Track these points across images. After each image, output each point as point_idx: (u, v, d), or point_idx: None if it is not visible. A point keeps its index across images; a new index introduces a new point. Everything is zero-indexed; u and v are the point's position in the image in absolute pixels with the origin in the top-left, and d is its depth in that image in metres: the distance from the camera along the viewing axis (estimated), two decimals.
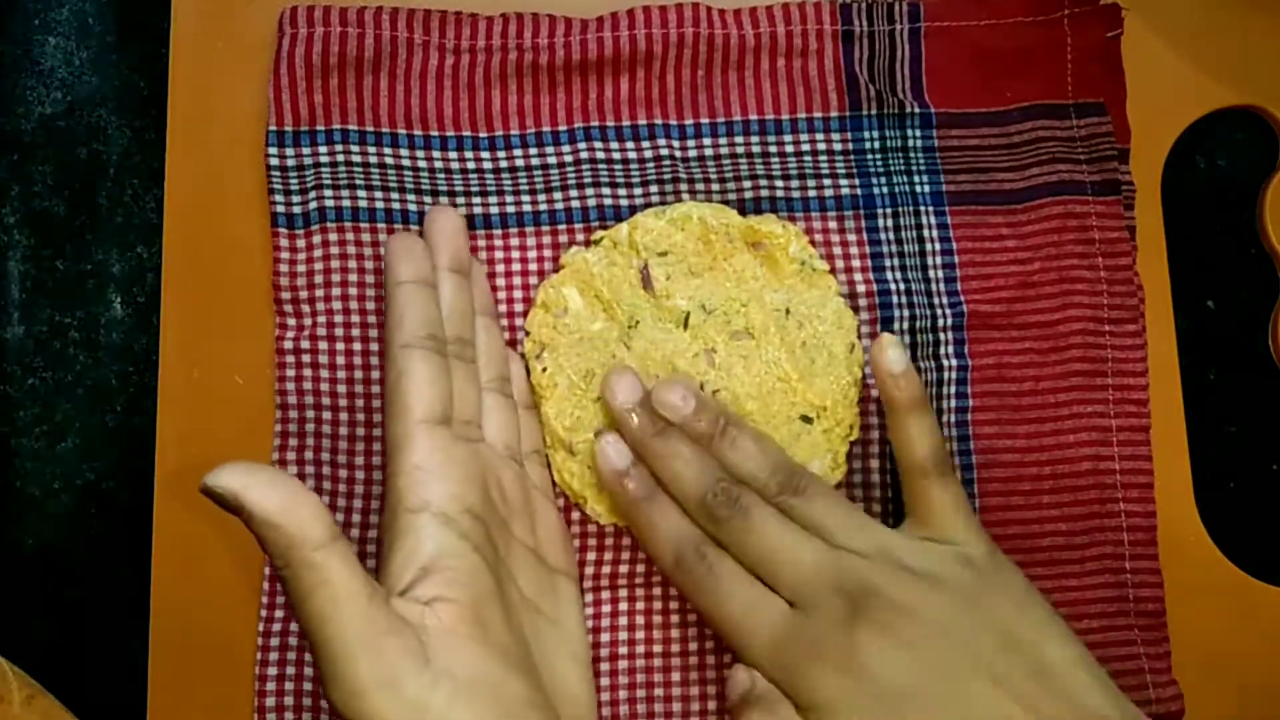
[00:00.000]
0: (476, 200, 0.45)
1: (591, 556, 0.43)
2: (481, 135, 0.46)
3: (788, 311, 0.44)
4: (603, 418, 0.43)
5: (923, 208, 0.45)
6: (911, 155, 0.46)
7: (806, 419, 0.43)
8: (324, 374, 0.44)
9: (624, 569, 0.43)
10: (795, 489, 0.40)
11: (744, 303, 0.44)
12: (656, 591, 0.43)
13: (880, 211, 0.45)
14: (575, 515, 0.44)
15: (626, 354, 0.44)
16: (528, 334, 0.44)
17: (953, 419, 0.44)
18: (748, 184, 0.45)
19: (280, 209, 0.44)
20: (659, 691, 0.43)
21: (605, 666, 0.43)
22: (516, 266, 0.45)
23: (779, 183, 0.45)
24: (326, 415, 0.43)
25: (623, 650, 0.43)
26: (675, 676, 0.43)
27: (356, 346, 0.44)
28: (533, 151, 0.45)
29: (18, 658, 0.43)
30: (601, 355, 0.44)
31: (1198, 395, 0.46)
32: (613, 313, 0.44)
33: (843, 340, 0.44)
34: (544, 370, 0.44)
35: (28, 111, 0.48)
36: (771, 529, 0.39)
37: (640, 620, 0.43)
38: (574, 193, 0.45)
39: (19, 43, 0.48)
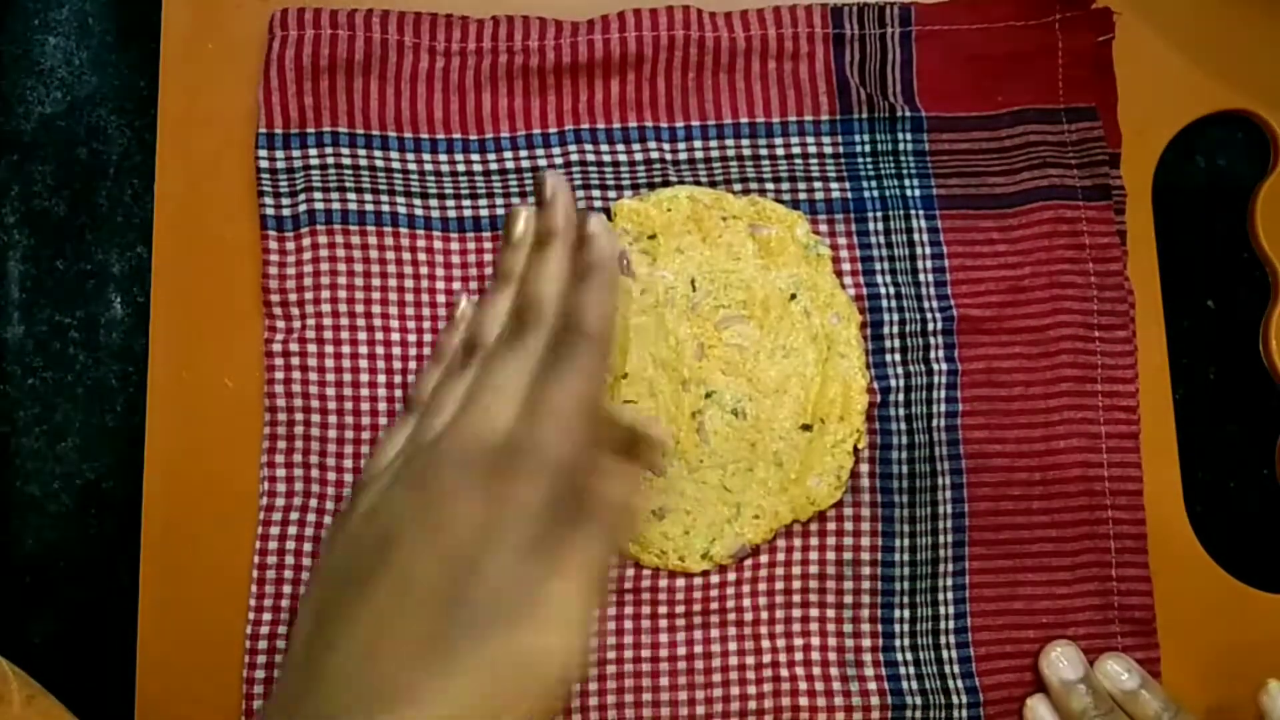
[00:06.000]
0: (466, 203, 0.45)
1: None
2: (472, 138, 0.46)
3: (794, 296, 0.44)
4: None
5: (913, 211, 0.45)
6: (902, 159, 0.45)
7: (806, 427, 0.43)
8: (313, 377, 0.44)
9: (612, 574, 0.43)
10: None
11: (742, 283, 0.43)
12: (646, 597, 0.43)
13: (871, 215, 0.45)
14: None
15: None
16: None
17: (942, 423, 0.44)
18: (738, 186, 0.45)
19: (270, 211, 0.45)
20: (647, 696, 0.43)
21: (594, 671, 0.43)
22: None
23: (769, 185, 0.45)
24: (315, 418, 0.44)
25: (610, 655, 0.43)
26: (664, 681, 0.43)
27: (345, 349, 0.44)
28: (523, 154, 0.45)
29: (18, 658, 0.43)
30: None
31: (1191, 399, 0.46)
32: None
33: (853, 337, 0.44)
34: None
35: (28, 111, 0.48)
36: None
37: (629, 625, 0.43)
38: None
39: (19, 43, 0.48)
